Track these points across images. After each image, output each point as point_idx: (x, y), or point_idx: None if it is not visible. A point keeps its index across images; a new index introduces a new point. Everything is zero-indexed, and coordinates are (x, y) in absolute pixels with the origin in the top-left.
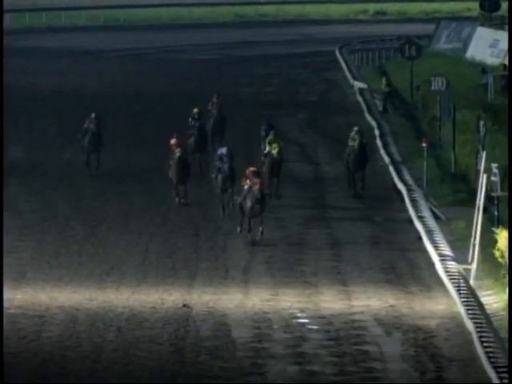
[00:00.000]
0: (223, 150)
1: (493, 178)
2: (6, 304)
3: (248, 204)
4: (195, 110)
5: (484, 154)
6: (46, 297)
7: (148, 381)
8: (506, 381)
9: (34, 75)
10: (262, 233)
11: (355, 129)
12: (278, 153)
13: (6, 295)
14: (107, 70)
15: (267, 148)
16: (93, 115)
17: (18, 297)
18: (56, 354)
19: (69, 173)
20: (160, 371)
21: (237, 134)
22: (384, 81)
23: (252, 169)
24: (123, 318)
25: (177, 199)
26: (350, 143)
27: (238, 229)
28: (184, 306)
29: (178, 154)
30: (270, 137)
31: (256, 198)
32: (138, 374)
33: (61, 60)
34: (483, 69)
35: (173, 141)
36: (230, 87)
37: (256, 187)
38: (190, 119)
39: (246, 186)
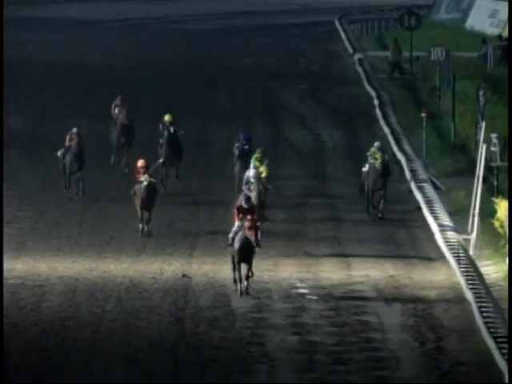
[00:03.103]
0: (251, 173)
1: (492, 148)
2: (5, 274)
3: (236, 246)
4: (166, 117)
5: (483, 124)
6: (46, 267)
7: (147, 351)
8: (505, 351)
9: (34, 46)
10: (247, 277)
11: (376, 144)
12: (266, 178)
13: (6, 265)
14: (108, 41)
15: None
16: (74, 130)
17: (17, 267)
18: (55, 324)
19: None
20: (159, 341)
21: (238, 106)
22: (392, 49)
23: (244, 205)
24: (123, 288)
25: (140, 225)
26: (370, 160)
27: (233, 280)
28: (184, 276)
29: (144, 184)
30: (257, 155)
31: (244, 242)
32: (138, 344)
33: (61, 31)
34: (483, 39)
35: (140, 162)
36: (229, 58)
37: (246, 231)
38: (160, 126)
39: (236, 223)
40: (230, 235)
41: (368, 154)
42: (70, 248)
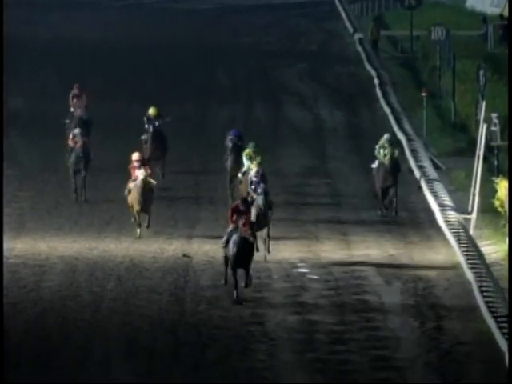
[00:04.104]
0: (253, 174)
1: (493, 128)
2: (6, 254)
3: (232, 250)
4: (151, 111)
5: (484, 104)
6: (46, 246)
7: (147, 330)
8: (505, 330)
9: (34, 25)
10: (246, 285)
11: (385, 137)
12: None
13: (6, 245)
14: (107, 20)
15: (245, 164)
16: (77, 131)
17: (17, 246)
18: (56, 304)
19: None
20: (159, 321)
21: (237, 86)
22: (371, 28)
23: (240, 205)
24: (123, 268)
25: (138, 230)
26: (380, 154)
27: (222, 281)
28: (184, 255)
29: (140, 178)
30: (248, 150)
31: (242, 245)
32: (138, 324)
33: (61, 10)
34: (484, 18)
35: (135, 156)
36: (229, 37)
37: (242, 230)
38: (145, 119)
39: (230, 227)
40: (224, 237)
41: (377, 146)
42: (70, 227)
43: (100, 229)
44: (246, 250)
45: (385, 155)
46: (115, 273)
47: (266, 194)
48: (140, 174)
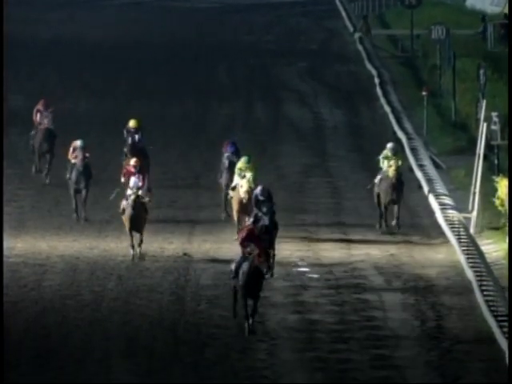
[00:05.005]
0: (259, 192)
1: (493, 127)
2: (6, 253)
3: (241, 280)
4: (131, 124)
5: (484, 103)
6: (47, 245)
7: (147, 329)
8: (505, 329)
9: (34, 24)
10: (253, 312)
11: (389, 146)
12: (246, 192)
13: (7, 244)
14: (107, 19)
15: (236, 179)
16: (78, 143)
17: (18, 245)
18: (56, 303)
19: (70, 121)
20: (160, 320)
21: (238, 84)
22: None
23: (254, 230)
24: (123, 267)
25: (132, 252)
26: (383, 165)
27: (232, 313)
28: (184, 254)
29: (132, 198)
30: (240, 164)
31: (252, 274)
32: (138, 323)
33: (61, 9)
34: (483, 17)
35: (133, 161)
36: (229, 36)
37: (255, 260)
38: (124, 132)
39: (240, 254)
40: (233, 266)
41: (380, 157)
42: (71, 226)
43: (100, 228)
44: (256, 280)
45: (390, 166)
46: (116, 272)
47: (272, 213)
48: (132, 193)
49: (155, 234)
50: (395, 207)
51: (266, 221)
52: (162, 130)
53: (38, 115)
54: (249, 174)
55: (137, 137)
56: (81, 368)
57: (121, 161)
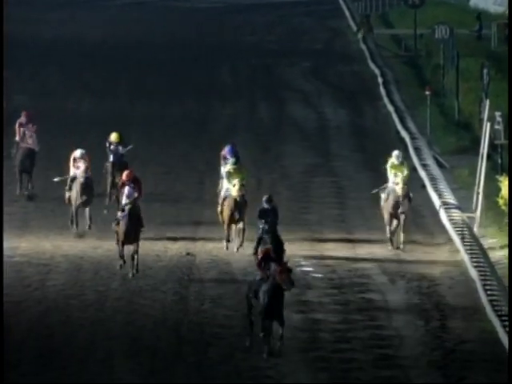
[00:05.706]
0: (264, 201)
1: (496, 126)
2: (10, 252)
3: (263, 300)
4: (113, 137)
5: (487, 102)
6: (50, 245)
7: (151, 329)
8: (509, 329)
9: (35, 24)
10: (281, 337)
11: (395, 153)
12: (239, 191)
13: (11, 244)
14: (108, 19)
15: (224, 183)
16: (78, 153)
17: (22, 245)
18: (60, 303)
19: (71, 121)
20: (163, 319)
21: (241, 84)
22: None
23: (270, 251)
24: (127, 267)
25: (120, 263)
26: (390, 175)
27: (247, 342)
28: (188, 254)
29: (127, 208)
30: (229, 167)
31: (274, 293)
32: (142, 323)
33: (61, 9)
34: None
35: (125, 174)
36: (232, 36)
37: (277, 276)
38: (106, 144)
39: (257, 277)
40: (251, 288)
41: (387, 166)
42: None
43: (104, 227)
44: (279, 300)
45: (396, 183)
46: (119, 272)
47: (274, 229)
48: (128, 203)
49: (159, 234)
50: (401, 219)
51: (266, 240)
52: (163, 130)
53: (21, 131)
54: (237, 180)
55: (120, 150)
56: (84, 368)
57: None
